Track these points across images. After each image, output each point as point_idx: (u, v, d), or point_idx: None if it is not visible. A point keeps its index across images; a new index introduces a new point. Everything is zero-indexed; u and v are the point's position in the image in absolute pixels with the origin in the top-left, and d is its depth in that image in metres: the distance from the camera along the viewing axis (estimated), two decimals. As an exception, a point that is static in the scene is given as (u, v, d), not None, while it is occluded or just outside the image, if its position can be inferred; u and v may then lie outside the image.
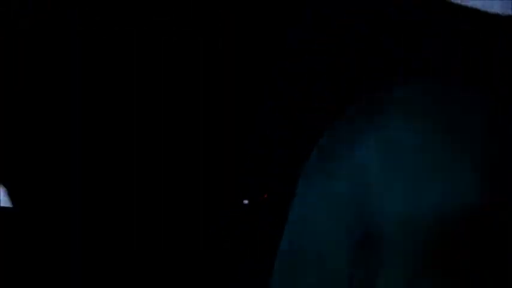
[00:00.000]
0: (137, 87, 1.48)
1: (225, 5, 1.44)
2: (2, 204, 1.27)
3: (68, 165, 1.41)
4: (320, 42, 1.52)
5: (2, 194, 1.25)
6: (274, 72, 1.52)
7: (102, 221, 1.46)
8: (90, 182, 1.47)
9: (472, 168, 0.71)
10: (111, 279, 1.42)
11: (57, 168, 1.42)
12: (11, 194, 1.28)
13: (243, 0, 1.45)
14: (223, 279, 1.50)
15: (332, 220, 0.76)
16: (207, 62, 1.47)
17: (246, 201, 1.49)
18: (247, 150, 1.54)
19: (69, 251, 1.27)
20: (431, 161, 0.74)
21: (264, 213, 1.51)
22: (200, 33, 1.45)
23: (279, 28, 1.47)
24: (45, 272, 1.30)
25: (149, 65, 1.46)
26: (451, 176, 0.73)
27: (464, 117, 0.72)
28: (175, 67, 1.47)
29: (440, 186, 0.73)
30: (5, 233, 1.27)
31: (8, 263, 1.26)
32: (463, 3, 0.73)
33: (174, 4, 1.44)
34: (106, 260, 1.43)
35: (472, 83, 0.71)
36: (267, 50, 1.48)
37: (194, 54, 1.46)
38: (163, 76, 1.47)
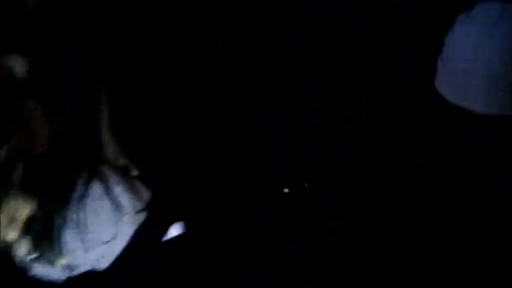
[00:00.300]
0: (137, 87, 1.48)
1: (225, 5, 1.45)
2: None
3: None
4: (320, 42, 1.53)
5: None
6: (274, 72, 1.52)
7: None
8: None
9: None
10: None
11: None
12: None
13: (243, 1, 1.45)
14: (223, 279, 1.50)
15: None
16: (207, 62, 1.47)
17: (286, 190, 1.49)
18: (247, 150, 1.54)
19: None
20: None
21: (264, 213, 1.51)
22: (200, 33, 1.45)
23: (279, 28, 1.47)
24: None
25: (149, 65, 1.46)
26: None
27: None
28: (175, 67, 1.48)
29: None
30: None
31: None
32: (456, 103, 0.81)
33: (174, 4, 1.44)
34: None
35: None
36: (267, 50, 1.48)
37: (194, 54, 1.46)
38: (163, 76, 1.47)
